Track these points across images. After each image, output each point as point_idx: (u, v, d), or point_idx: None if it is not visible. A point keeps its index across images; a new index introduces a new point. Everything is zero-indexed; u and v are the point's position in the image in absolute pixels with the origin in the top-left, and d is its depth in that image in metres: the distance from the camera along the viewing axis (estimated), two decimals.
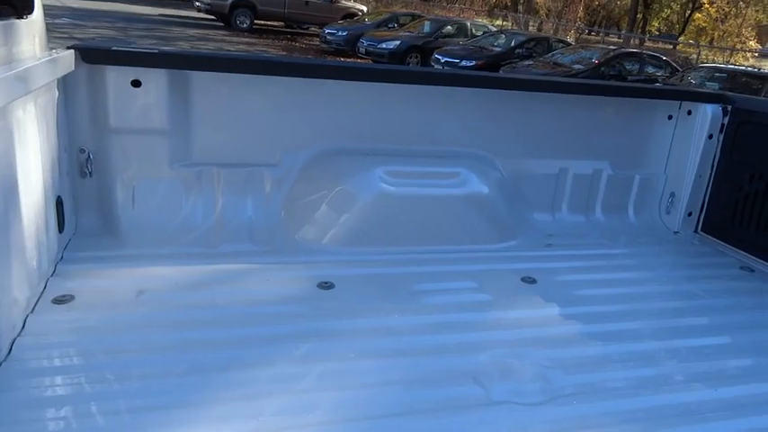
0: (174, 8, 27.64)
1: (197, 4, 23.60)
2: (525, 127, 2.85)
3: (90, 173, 2.24)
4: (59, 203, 2.06)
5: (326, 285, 2.11)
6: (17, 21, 1.81)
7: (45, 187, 1.92)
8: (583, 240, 2.83)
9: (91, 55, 2.13)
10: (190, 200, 2.37)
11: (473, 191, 2.65)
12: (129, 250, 2.20)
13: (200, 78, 2.31)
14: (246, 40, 20.19)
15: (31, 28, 1.89)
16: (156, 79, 2.22)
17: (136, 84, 2.19)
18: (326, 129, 2.54)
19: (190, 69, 2.27)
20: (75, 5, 23.40)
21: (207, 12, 23.37)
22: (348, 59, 18.39)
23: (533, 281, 2.33)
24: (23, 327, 1.70)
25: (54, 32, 15.86)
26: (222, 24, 22.71)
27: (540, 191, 2.94)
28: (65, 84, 2.09)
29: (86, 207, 2.29)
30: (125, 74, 2.17)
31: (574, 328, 2.02)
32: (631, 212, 3.12)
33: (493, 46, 16.51)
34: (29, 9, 1.90)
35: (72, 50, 2.07)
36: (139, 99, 2.21)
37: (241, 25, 22.17)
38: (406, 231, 2.49)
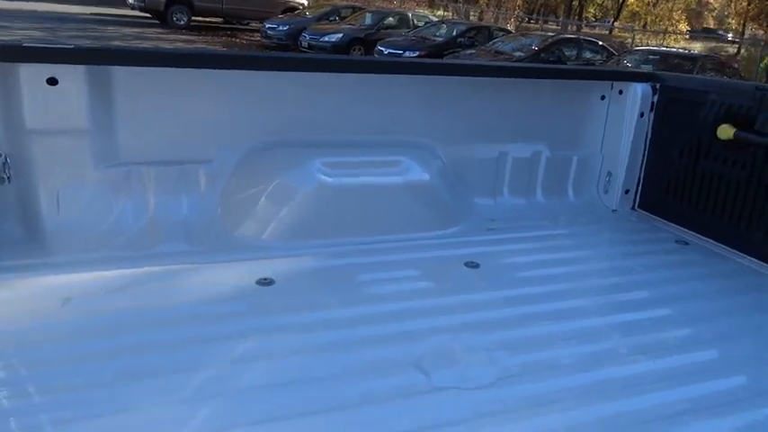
0: (107, 6, 26.61)
1: (130, 1, 22.82)
2: (464, 113, 2.85)
3: (8, 178, 2.11)
4: None
5: (266, 282, 2.05)
6: None
7: None
8: (524, 223, 2.86)
9: (1, 52, 2.00)
10: (119, 201, 2.25)
11: (414, 179, 2.63)
12: (55, 257, 2.08)
13: (122, 74, 2.20)
14: (184, 37, 19.66)
15: None
16: (73, 76, 2.09)
17: (52, 82, 2.06)
18: (261, 122, 2.47)
19: (110, 64, 2.15)
20: (1, 6, 22.28)
21: (141, 9, 22.64)
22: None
23: (476, 265, 2.33)
24: None
25: None
26: (158, 22, 22.04)
27: (481, 176, 2.95)
28: None
29: (7, 214, 2.15)
30: (39, 71, 2.04)
31: (517, 309, 2.04)
32: (571, 193, 3.17)
33: (435, 36, 16.62)
34: None
35: None
36: (57, 98, 2.09)
37: (178, 22, 21.58)
38: (347, 222, 2.45)
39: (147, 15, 22.82)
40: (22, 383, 1.48)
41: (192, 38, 19.73)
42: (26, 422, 1.35)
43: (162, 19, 21.84)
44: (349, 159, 2.55)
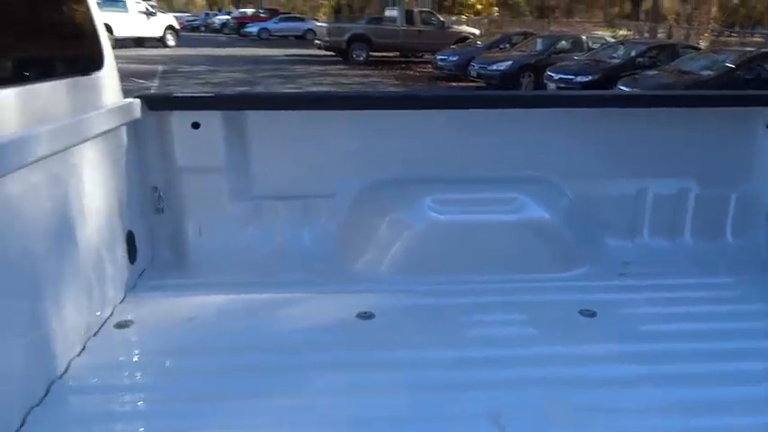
0: (299, 48, 29.48)
1: (317, 42, 24.99)
2: (596, 145, 2.66)
3: (162, 209, 2.45)
4: (130, 237, 2.27)
5: (366, 315, 2.11)
6: (84, 77, 2.04)
7: (115, 222, 2.13)
8: (666, 268, 2.56)
9: (154, 102, 2.35)
10: (250, 232, 2.50)
11: (530, 217, 2.52)
12: (194, 279, 2.37)
13: (253, 117, 2.45)
14: (362, 72, 20.97)
15: (100, 82, 2.11)
16: (212, 121, 2.39)
17: (195, 126, 2.37)
18: (379, 158, 2.57)
19: (243, 109, 2.43)
20: (211, 53, 25.75)
21: (326, 48, 24.69)
22: (460, 84, 18.45)
23: (593, 314, 2.15)
24: (83, 348, 1.88)
25: (193, 78, 17.52)
26: (341, 59, 23.82)
27: (617, 214, 2.71)
28: (135, 128, 2.31)
29: (161, 241, 2.50)
30: (186, 117, 2.36)
31: (629, 368, 1.82)
32: (729, 235, 2.78)
33: (611, 58, 15.72)
34: (97, 67, 2.13)
35: (138, 99, 2.29)
36: (200, 139, 2.40)
37: (358, 58, 23.10)
38: (455, 260, 2.43)
39: (332, 54, 24.81)
40: (147, 390, 1.71)
41: (369, 72, 20.96)
42: (149, 426, 1.56)
43: (344, 56, 23.57)
44: (462, 196, 2.54)
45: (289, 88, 15.59)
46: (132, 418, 1.61)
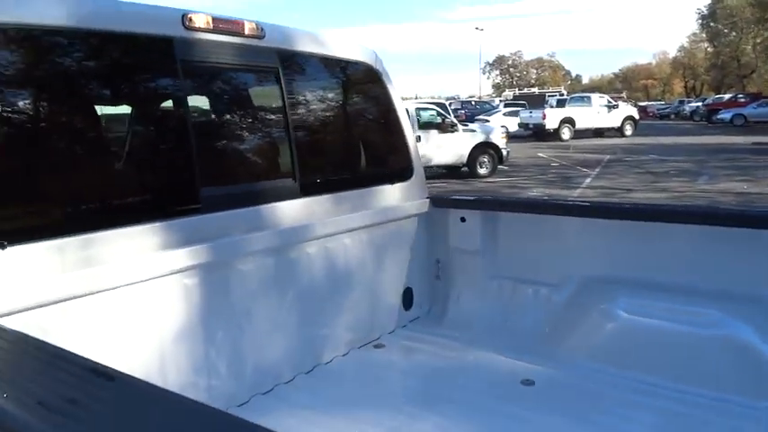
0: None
1: None
2: None
3: (439, 276, 3.26)
4: (408, 291, 3.13)
5: (528, 382, 2.49)
6: (400, 184, 3.03)
7: (398, 280, 3.04)
8: None
9: (438, 202, 3.22)
10: (490, 304, 3.04)
11: (734, 336, 2.33)
12: (444, 332, 3.05)
13: (505, 216, 3.08)
14: None
15: (404, 187, 3.08)
16: (474, 217, 3.09)
17: (463, 219, 3.11)
18: (598, 258, 2.85)
19: (496, 210, 3.05)
20: (666, 142, 25.27)
21: None
22: None
23: None
24: (347, 353, 2.75)
25: (635, 168, 17.73)
26: None
27: None
28: (426, 218, 3.21)
29: (436, 300, 3.28)
30: (457, 213, 3.13)
31: None
32: None
33: None
34: (408, 177, 3.11)
35: (428, 199, 3.19)
36: (465, 230, 3.13)
37: None
38: (644, 361, 2.45)
39: None
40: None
41: None
42: None
43: None
44: (663, 304, 2.62)
45: (736, 181, 14.20)
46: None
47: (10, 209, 1.72)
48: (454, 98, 55.99)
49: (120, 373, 1.10)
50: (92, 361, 1.14)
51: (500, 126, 19.19)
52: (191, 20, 2.10)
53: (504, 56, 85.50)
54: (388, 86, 2.96)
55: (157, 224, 1.99)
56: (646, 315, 2.67)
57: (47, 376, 1.13)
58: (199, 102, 2.37)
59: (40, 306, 1.65)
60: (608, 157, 20.83)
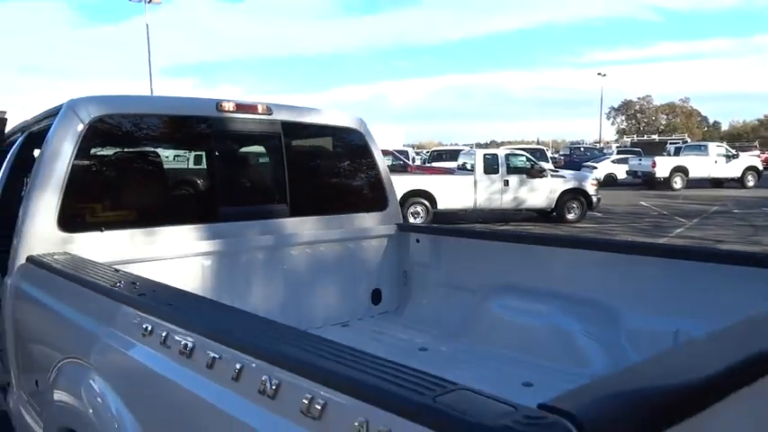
0: None
1: None
2: None
3: (406, 283, 4.29)
4: (376, 291, 4.21)
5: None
6: (368, 214, 4.17)
7: (369, 282, 4.18)
8: None
9: (401, 227, 4.25)
10: (438, 304, 4.02)
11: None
12: (403, 322, 4.09)
13: (444, 240, 4.05)
14: None
15: (379, 215, 4.21)
16: (425, 239, 4.11)
17: (417, 241, 4.15)
18: (497, 271, 3.68)
19: (438, 235, 4.06)
20: (741, 195, 23.45)
21: None
22: None
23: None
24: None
25: (740, 221, 17.11)
26: None
27: None
28: (395, 239, 4.16)
29: (403, 300, 4.32)
30: (414, 236, 4.15)
31: None
32: None
33: None
34: (383, 208, 4.25)
35: (396, 226, 4.27)
36: (420, 249, 4.14)
37: None
38: None
39: None
40: None
41: None
42: None
43: None
44: (522, 303, 3.44)
45: None
46: None
47: (106, 212, 3.17)
48: (578, 143, 55.31)
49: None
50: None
51: (592, 174, 19.45)
52: (221, 105, 3.48)
53: (630, 100, 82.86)
54: (370, 143, 4.06)
55: (191, 226, 3.35)
56: (512, 309, 3.48)
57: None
58: (224, 153, 3.74)
59: (124, 263, 2.98)
60: (715, 208, 20.15)
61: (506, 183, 16.26)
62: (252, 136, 3.71)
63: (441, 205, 15.48)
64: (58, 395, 2.08)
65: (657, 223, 16.24)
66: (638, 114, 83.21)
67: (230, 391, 1.38)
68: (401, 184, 15.26)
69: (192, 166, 5.64)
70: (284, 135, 3.68)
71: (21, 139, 3.66)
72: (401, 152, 23.64)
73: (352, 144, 4.11)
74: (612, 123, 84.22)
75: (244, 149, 3.87)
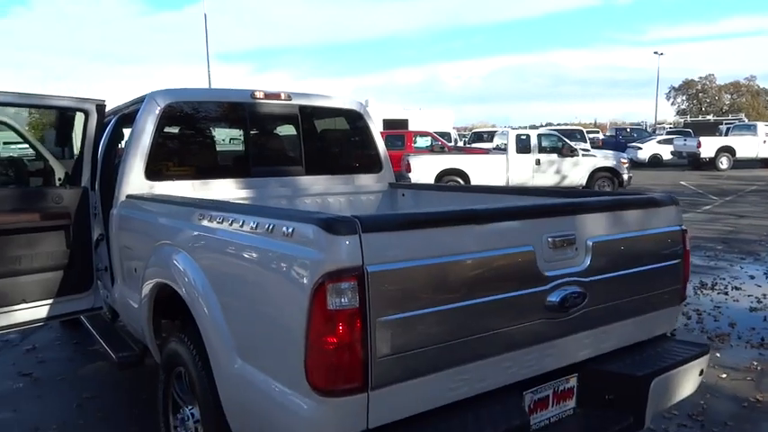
0: None
1: None
2: None
3: None
4: None
5: None
6: (366, 175, 5.45)
7: None
8: None
9: (392, 185, 5.39)
10: None
11: None
12: None
13: (423, 193, 5.28)
14: None
15: (374, 176, 5.44)
16: (408, 193, 5.36)
17: (403, 195, 5.39)
18: None
19: (419, 190, 5.28)
20: None
21: None
22: None
23: None
24: None
25: None
26: None
27: None
28: (387, 194, 5.32)
29: None
30: (400, 191, 5.42)
31: None
32: None
33: None
34: (379, 170, 5.52)
35: (388, 184, 5.50)
36: (405, 200, 5.38)
37: None
38: None
39: None
40: None
41: None
42: None
43: None
44: None
45: None
46: None
47: (176, 169, 4.56)
48: (639, 124, 54.67)
49: None
50: None
51: (623, 153, 19.96)
52: (254, 94, 4.82)
53: (692, 80, 79.32)
54: (368, 121, 5.22)
55: (232, 180, 4.70)
56: None
57: None
58: (255, 129, 5.08)
59: None
60: (753, 187, 20.24)
61: (538, 162, 17.12)
62: (276, 116, 5.07)
63: (474, 183, 16.41)
64: (155, 261, 3.31)
65: (690, 201, 16.55)
66: (699, 94, 79.80)
67: (254, 235, 2.36)
68: (438, 163, 16.40)
69: (234, 137, 7.15)
70: (301, 115, 5.01)
71: (114, 119, 5.14)
72: (443, 134, 24.70)
73: (354, 122, 5.38)
74: (672, 104, 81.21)
75: (270, 126, 5.24)
